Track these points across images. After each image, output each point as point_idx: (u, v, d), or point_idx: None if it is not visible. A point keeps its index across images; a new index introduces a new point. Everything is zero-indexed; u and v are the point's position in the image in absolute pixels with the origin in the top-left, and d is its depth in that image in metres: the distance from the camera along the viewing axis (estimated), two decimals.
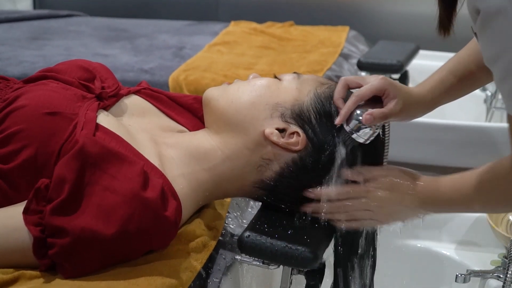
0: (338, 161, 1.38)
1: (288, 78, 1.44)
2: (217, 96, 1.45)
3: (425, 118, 1.83)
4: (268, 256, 1.38)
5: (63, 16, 3.83)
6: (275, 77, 1.47)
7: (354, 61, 2.86)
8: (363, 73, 2.83)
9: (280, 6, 3.91)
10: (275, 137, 1.39)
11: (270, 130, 1.39)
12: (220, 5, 4.02)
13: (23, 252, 1.23)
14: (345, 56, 2.98)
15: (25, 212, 1.23)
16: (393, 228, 1.82)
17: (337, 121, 1.37)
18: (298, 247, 1.36)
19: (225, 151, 1.42)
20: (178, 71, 2.73)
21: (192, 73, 2.69)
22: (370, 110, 1.36)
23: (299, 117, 1.40)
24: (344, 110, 1.37)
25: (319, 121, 1.39)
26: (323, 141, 1.39)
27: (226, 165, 1.42)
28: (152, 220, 1.24)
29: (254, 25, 3.45)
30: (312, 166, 1.39)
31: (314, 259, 1.36)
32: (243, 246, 1.38)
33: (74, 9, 4.00)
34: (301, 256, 1.35)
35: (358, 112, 1.36)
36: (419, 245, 1.86)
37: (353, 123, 1.36)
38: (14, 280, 1.21)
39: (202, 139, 1.44)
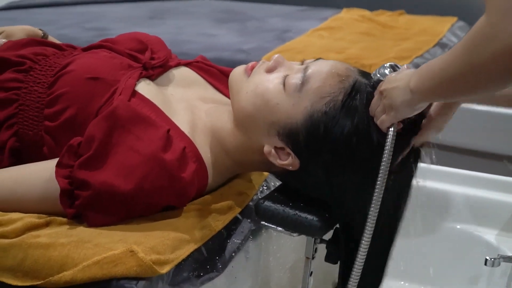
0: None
1: (290, 89, 1.39)
2: (234, 89, 1.45)
3: None
4: (279, 222, 1.44)
5: None
6: (302, 63, 1.48)
7: None
8: None
9: None
10: (272, 157, 1.41)
11: (268, 149, 1.41)
12: None
13: (53, 201, 1.35)
14: (442, 46, 2.95)
15: (58, 165, 1.34)
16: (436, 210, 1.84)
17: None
18: (308, 216, 1.42)
19: (237, 143, 1.46)
20: (272, 52, 2.77)
21: (283, 54, 2.70)
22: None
23: (291, 138, 1.39)
24: None
25: (308, 143, 1.38)
26: (308, 164, 1.40)
27: (238, 154, 1.47)
28: (166, 180, 1.33)
29: (364, 12, 3.47)
30: (310, 176, 1.43)
31: (321, 228, 1.42)
32: (258, 211, 1.46)
33: None
34: (309, 224, 1.41)
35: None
36: (458, 226, 1.86)
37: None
38: (46, 224, 1.34)
39: (225, 124, 1.48)
